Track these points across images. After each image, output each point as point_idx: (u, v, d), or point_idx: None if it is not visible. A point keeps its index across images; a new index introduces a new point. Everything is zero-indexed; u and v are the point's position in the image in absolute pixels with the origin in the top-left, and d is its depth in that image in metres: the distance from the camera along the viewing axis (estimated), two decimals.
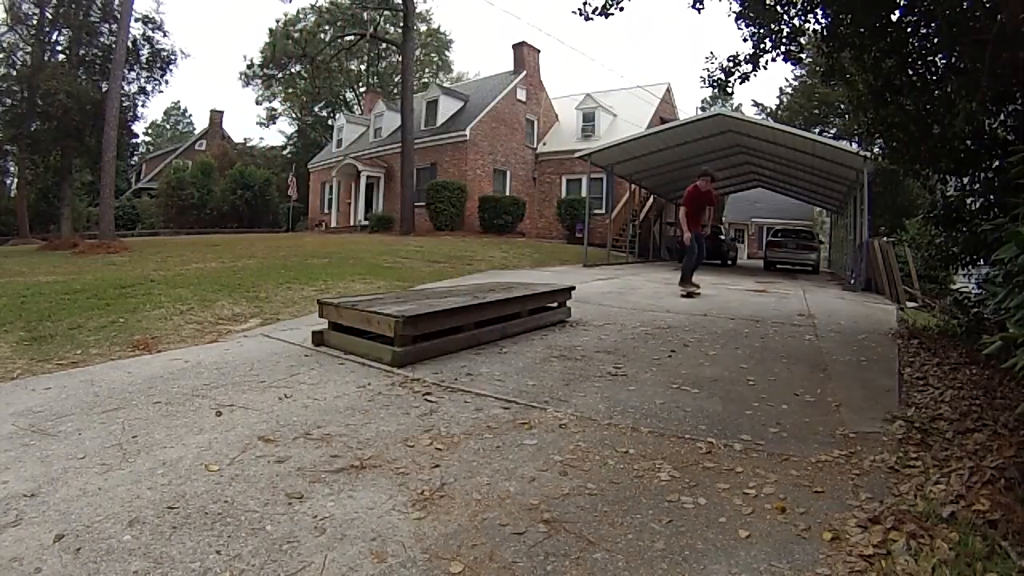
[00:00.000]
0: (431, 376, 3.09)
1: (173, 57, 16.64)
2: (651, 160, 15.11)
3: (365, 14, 23.63)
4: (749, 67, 4.97)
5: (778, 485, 1.95)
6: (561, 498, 1.81)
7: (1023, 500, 1.76)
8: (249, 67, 31.46)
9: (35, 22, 15.74)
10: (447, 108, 20.32)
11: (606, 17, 4.97)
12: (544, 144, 21.93)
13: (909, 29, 4.29)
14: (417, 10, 28.62)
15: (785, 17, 4.71)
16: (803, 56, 5.76)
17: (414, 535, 1.57)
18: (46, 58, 15.70)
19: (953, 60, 4.12)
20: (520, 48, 21.31)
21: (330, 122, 32.26)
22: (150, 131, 50.45)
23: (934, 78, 4.35)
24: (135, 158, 34.79)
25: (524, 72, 20.98)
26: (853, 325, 5.48)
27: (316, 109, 37.33)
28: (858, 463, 2.16)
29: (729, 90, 5.29)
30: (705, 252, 7.36)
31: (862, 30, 4.30)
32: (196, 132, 41.60)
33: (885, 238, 11.68)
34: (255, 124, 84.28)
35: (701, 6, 4.92)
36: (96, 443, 2.08)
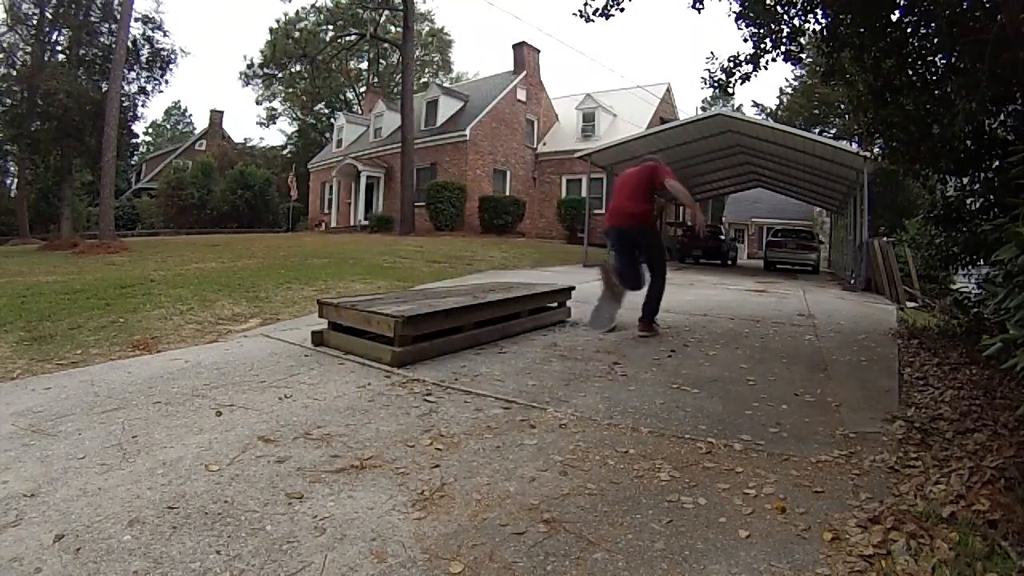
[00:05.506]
0: (431, 376, 3.09)
1: (173, 57, 16.70)
2: None
3: (365, 14, 23.63)
4: (749, 67, 4.96)
5: (778, 485, 1.95)
6: (561, 498, 1.81)
7: (1023, 500, 1.76)
8: (249, 67, 31.51)
9: (35, 22, 15.75)
10: (447, 108, 20.32)
11: (606, 18, 4.96)
12: (544, 144, 21.92)
13: (909, 29, 4.28)
14: (418, 10, 28.65)
15: (785, 17, 4.70)
16: (803, 56, 5.75)
17: (414, 535, 1.57)
18: (46, 58, 15.71)
19: (953, 60, 4.12)
20: (520, 48, 21.31)
21: (331, 121, 32.27)
22: (150, 131, 50.48)
23: (934, 78, 4.35)
24: (135, 158, 34.80)
25: (524, 72, 20.97)
26: (853, 325, 5.47)
27: (316, 109, 37.34)
28: (858, 463, 2.16)
29: (730, 90, 5.29)
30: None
31: (862, 30, 4.30)
32: (196, 132, 41.61)
33: (885, 238, 11.67)
34: (255, 124, 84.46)
35: (701, 6, 4.91)
36: (96, 443, 2.08)
